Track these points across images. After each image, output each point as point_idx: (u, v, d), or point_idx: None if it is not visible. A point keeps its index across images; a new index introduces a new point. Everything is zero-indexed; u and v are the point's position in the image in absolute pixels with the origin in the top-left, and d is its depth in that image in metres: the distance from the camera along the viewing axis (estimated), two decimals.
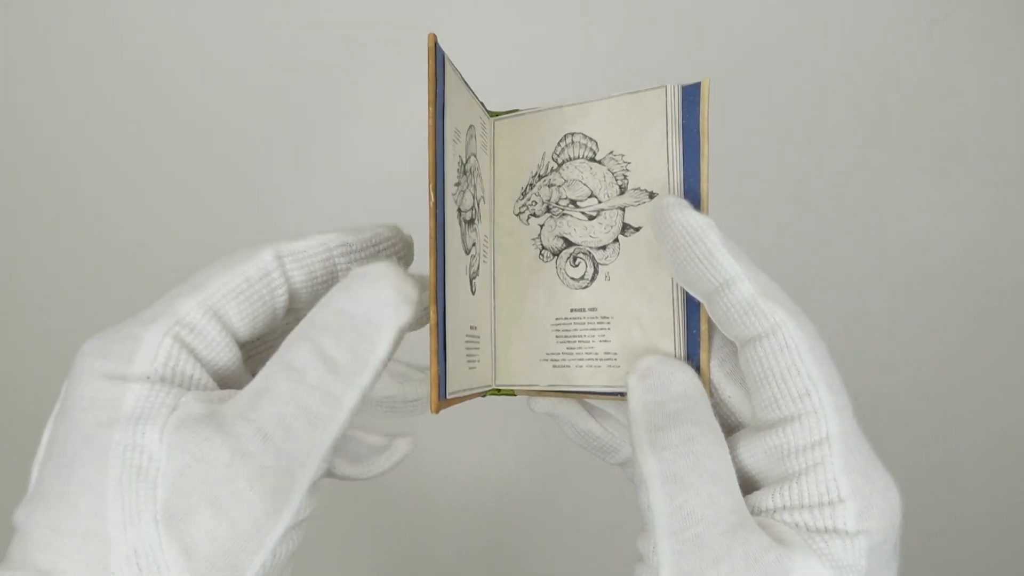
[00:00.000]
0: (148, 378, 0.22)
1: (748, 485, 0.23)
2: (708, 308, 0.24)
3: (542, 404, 0.29)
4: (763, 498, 0.23)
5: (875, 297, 0.60)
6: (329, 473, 0.28)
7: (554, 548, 0.60)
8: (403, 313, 0.23)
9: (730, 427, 0.25)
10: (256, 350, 0.27)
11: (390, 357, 0.23)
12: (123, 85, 0.58)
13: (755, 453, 0.23)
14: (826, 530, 0.21)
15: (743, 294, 0.23)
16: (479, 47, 0.59)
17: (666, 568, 0.21)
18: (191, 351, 0.23)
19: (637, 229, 0.26)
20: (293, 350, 0.23)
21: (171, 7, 0.58)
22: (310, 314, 0.23)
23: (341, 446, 0.28)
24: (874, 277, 0.60)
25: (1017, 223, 0.60)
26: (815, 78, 0.60)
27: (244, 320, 0.24)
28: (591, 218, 0.27)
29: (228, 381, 0.24)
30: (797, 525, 0.22)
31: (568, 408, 0.29)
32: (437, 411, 0.23)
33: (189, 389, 0.22)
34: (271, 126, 0.59)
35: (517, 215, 0.28)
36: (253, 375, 0.26)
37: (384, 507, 0.60)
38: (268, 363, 0.23)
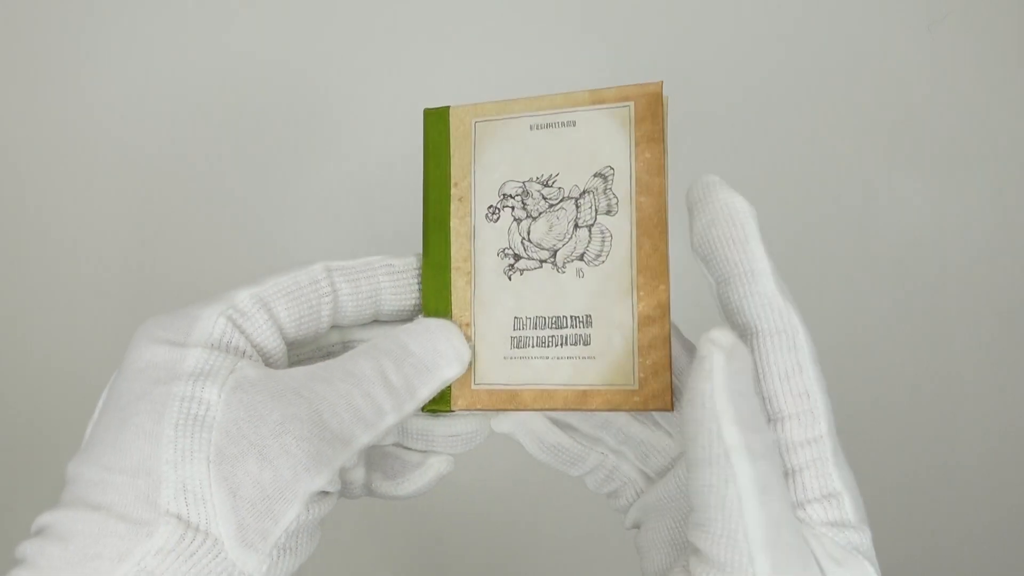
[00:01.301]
0: (205, 346, 0.24)
1: None
2: (719, 289, 0.24)
3: (506, 423, 0.29)
4: None
5: (874, 299, 0.60)
6: (368, 490, 0.30)
7: (555, 552, 0.61)
8: (453, 368, 0.26)
9: None
10: (299, 357, 0.29)
11: (427, 400, 0.26)
12: (117, 86, 0.58)
13: None
14: (835, 523, 0.22)
15: (767, 287, 0.23)
16: (471, 56, 0.60)
17: None
18: (243, 332, 0.25)
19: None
20: (356, 361, 0.25)
21: (170, 15, 0.58)
22: (375, 340, 0.26)
23: (379, 462, 0.30)
24: (872, 279, 0.60)
25: (1018, 224, 0.60)
26: (814, 78, 0.60)
27: (290, 317, 0.26)
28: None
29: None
30: (811, 518, 0.23)
31: (535, 423, 0.29)
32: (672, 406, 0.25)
33: (244, 359, 0.25)
34: (269, 131, 0.59)
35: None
36: None
37: (383, 507, 0.60)
38: (328, 362, 0.26)
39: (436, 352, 0.26)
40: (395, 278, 0.28)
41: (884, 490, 0.59)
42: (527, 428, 0.29)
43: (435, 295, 0.28)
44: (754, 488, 0.20)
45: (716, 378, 0.20)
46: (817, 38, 0.60)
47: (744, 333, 0.24)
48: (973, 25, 0.59)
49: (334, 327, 0.28)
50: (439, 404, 0.28)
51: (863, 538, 0.22)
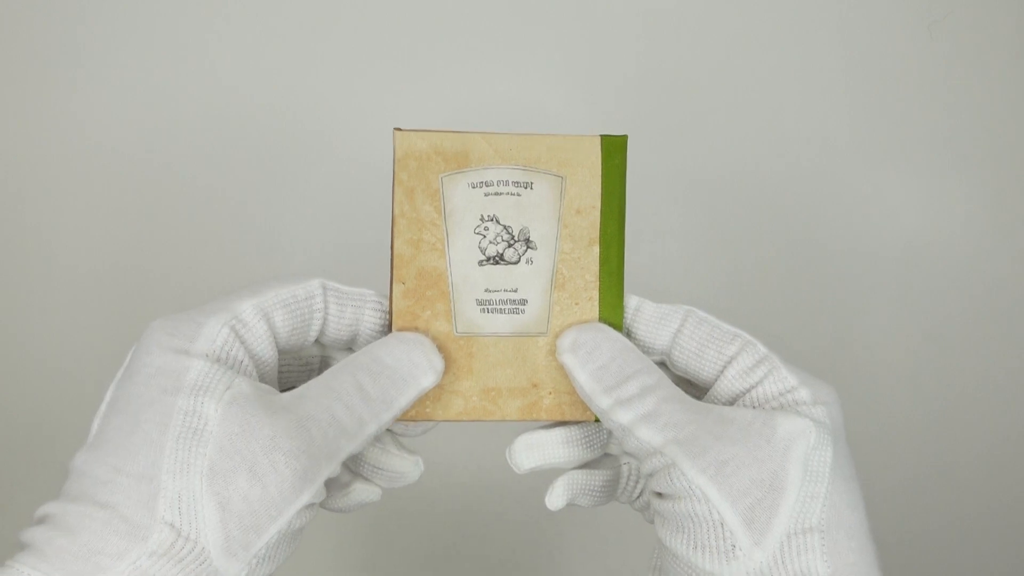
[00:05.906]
0: (207, 357, 0.26)
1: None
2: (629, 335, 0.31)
3: (560, 498, 0.32)
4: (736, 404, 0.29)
5: (872, 298, 0.61)
6: None
7: (558, 546, 0.61)
8: (427, 378, 0.28)
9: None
10: (284, 365, 0.31)
11: (406, 409, 0.28)
12: (115, 84, 0.58)
13: (723, 392, 0.29)
14: (791, 404, 0.27)
15: (648, 306, 0.30)
16: (452, 82, 0.60)
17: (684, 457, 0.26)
18: (243, 342, 0.27)
19: None
20: (336, 376, 0.27)
21: (167, 27, 0.58)
22: (352, 356, 0.28)
23: None
24: (872, 278, 0.61)
25: (1018, 224, 0.60)
26: (814, 78, 0.60)
27: (286, 328, 0.28)
28: None
29: (265, 379, 0.28)
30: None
31: (577, 477, 0.32)
32: None
33: (239, 374, 0.26)
34: (263, 140, 0.59)
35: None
36: (280, 386, 0.30)
37: (385, 503, 0.60)
38: (310, 382, 0.27)
39: (412, 363, 0.28)
40: (381, 316, 0.29)
41: (884, 490, 0.60)
42: (576, 487, 0.32)
43: (614, 305, 0.30)
44: (640, 420, 0.27)
45: (575, 373, 0.28)
46: (817, 38, 0.60)
47: (674, 340, 0.30)
48: (973, 25, 0.59)
49: (315, 343, 0.30)
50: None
51: (811, 410, 0.27)
